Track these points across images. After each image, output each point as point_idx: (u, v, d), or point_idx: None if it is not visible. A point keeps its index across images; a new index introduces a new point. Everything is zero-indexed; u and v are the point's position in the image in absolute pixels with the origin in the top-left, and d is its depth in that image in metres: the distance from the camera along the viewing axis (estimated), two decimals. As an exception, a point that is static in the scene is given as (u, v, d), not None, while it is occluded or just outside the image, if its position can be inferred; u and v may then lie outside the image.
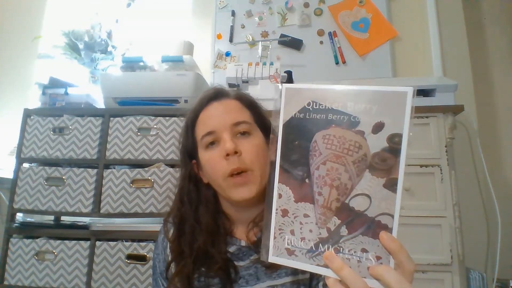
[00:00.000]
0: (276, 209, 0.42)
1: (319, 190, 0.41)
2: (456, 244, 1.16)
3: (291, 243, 0.42)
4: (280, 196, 0.42)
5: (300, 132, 0.42)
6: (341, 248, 0.39)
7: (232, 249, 0.67)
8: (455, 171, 1.22)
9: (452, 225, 1.17)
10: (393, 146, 0.38)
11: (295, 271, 0.63)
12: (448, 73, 1.69)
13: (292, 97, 0.43)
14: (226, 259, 0.65)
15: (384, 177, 0.38)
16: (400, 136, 0.38)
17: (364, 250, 0.38)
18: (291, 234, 0.42)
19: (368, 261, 0.38)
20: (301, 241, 0.41)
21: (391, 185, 0.38)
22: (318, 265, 0.40)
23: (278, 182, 0.42)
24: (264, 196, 0.45)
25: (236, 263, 0.66)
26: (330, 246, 0.40)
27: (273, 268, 0.63)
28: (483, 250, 1.54)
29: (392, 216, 0.37)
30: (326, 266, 0.39)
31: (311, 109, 0.41)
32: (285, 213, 0.42)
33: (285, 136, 0.42)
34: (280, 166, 0.42)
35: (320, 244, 0.40)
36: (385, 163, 0.38)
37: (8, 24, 2.11)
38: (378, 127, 0.39)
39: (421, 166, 1.22)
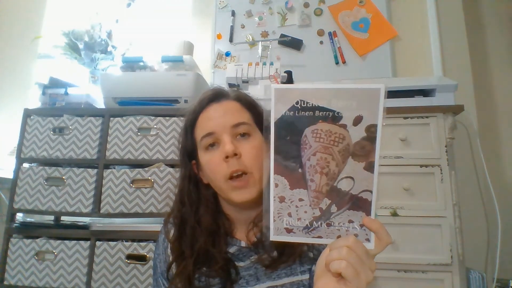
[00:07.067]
0: (274, 197, 0.48)
1: (311, 177, 0.47)
2: (456, 244, 1.16)
3: (289, 223, 0.48)
4: (276, 185, 0.47)
5: (291, 128, 0.47)
6: (332, 223, 0.47)
7: (232, 249, 0.67)
8: (455, 171, 1.22)
9: (452, 225, 1.16)
10: (370, 135, 0.45)
11: (294, 272, 0.63)
12: (448, 73, 1.69)
13: (282, 96, 0.46)
14: (227, 258, 0.65)
15: (364, 161, 0.45)
16: (375, 126, 0.44)
17: (350, 221, 0.46)
18: (289, 216, 0.48)
19: (354, 229, 0.46)
20: (297, 221, 0.47)
21: (369, 167, 0.45)
22: (313, 237, 0.47)
23: (274, 174, 0.47)
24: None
25: (236, 263, 0.65)
26: (323, 222, 0.47)
27: (273, 269, 0.63)
28: (483, 250, 1.54)
29: (371, 192, 0.45)
30: (319, 237, 0.47)
31: (299, 107, 0.46)
32: (282, 199, 0.47)
33: (278, 132, 0.47)
34: (275, 160, 0.47)
35: (314, 222, 0.47)
36: (364, 150, 0.45)
37: (8, 24, 2.11)
38: (357, 120, 0.45)
39: (421, 166, 1.22)
